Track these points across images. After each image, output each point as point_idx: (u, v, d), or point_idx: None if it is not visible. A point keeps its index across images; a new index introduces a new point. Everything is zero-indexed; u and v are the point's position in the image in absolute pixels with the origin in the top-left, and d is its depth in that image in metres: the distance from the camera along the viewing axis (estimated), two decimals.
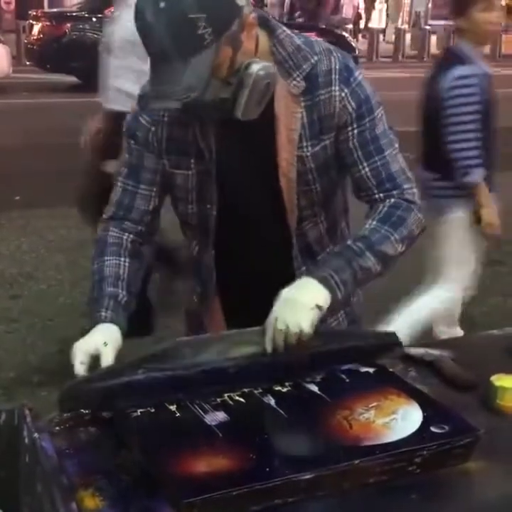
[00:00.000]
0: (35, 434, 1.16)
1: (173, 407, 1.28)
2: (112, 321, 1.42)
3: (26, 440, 1.17)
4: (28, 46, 13.47)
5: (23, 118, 9.54)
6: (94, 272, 1.52)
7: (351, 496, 1.13)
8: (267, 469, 1.12)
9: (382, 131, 1.49)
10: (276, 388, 1.35)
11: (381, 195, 1.48)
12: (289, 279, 1.42)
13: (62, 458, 1.17)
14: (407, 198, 1.48)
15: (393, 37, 19.51)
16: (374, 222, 1.44)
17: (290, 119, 1.45)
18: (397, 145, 1.51)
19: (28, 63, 13.57)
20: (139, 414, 1.26)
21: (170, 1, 1.26)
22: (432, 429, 1.22)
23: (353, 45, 14.34)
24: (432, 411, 1.28)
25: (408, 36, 20.49)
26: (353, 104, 1.46)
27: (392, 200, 1.47)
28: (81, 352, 1.36)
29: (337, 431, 1.22)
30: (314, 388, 1.36)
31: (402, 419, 1.25)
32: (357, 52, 14.25)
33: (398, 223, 1.44)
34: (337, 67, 1.45)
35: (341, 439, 1.20)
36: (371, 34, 18.75)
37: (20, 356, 3.55)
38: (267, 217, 1.53)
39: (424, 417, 1.26)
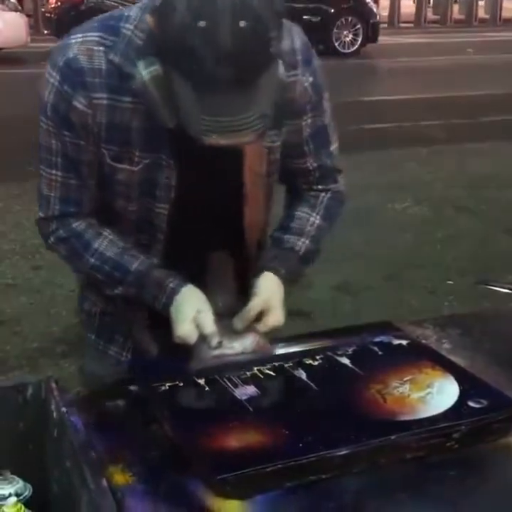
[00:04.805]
0: (63, 408, 1.14)
1: (202, 381, 1.26)
2: (179, 286, 1.34)
3: (54, 414, 1.15)
4: (46, 15, 13.40)
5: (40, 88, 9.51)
6: (97, 265, 1.37)
7: (387, 472, 1.10)
8: (301, 445, 1.09)
9: (329, 123, 1.43)
10: (307, 361, 1.32)
11: (320, 187, 1.49)
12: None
13: (90, 432, 1.15)
14: (340, 189, 1.51)
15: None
16: (318, 219, 1.47)
17: None
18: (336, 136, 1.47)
19: (45, 32, 13.49)
20: (168, 388, 1.24)
21: (250, 18, 1.04)
22: (470, 403, 1.19)
23: (374, 10, 14.04)
24: (468, 384, 1.24)
25: (430, 0, 20.15)
26: (311, 90, 1.36)
27: (329, 194, 1.49)
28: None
29: (371, 405, 1.19)
30: (346, 361, 1.33)
31: (438, 393, 1.22)
32: (378, 17, 14.00)
33: (334, 218, 1.51)
34: (299, 47, 1.33)
35: (376, 414, 1.17)
36: None
37: (43, 327, 3.56)
38: (224, 213, 1.39)
39: (460, 390, 1.22)
